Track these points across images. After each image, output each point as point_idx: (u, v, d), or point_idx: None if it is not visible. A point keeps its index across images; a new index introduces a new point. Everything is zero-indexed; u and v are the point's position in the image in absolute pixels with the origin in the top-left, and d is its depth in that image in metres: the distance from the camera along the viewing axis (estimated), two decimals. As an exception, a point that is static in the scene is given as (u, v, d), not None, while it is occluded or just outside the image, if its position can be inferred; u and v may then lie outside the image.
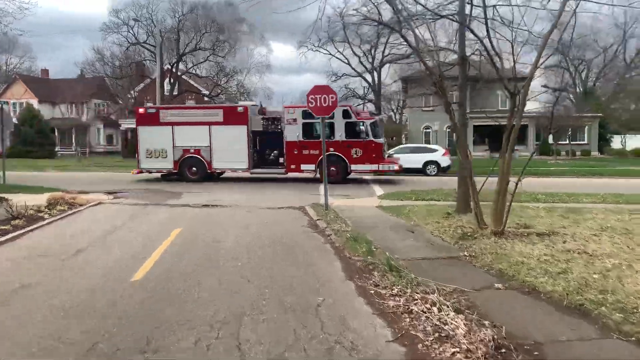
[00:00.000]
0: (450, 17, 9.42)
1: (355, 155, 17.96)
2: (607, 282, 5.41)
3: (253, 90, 50.85)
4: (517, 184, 7.76)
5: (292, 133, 18.22)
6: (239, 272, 6.44)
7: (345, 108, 18.21)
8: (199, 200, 13.77)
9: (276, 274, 6.34)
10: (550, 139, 40.12)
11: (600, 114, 41.77)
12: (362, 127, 17.94)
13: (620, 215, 10.06)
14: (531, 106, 42.73)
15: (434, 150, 25.27)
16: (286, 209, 12.41)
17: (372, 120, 18.56)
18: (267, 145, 19.22)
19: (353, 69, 51.93)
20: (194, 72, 49.40)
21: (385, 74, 54.47)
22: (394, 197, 14.35)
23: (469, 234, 8.27)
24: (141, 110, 20.19)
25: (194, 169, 19.08)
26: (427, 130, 45.88)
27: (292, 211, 12.10)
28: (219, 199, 14.20)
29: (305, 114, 17.21)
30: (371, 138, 17.98)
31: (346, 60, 52.72)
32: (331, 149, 17.45)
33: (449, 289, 5.44)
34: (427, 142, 42.05)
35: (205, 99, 48.72)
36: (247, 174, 19.56)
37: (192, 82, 49.09)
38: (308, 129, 18.28)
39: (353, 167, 18.23)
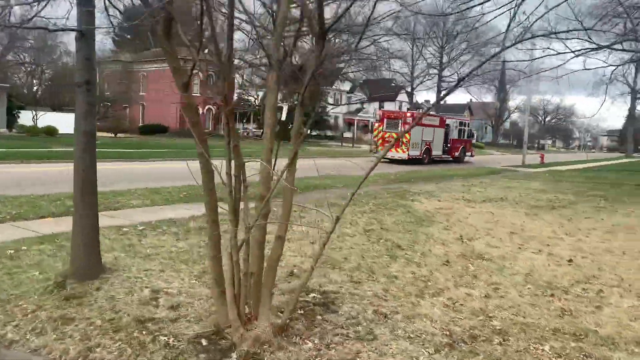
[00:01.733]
0: None
1: (467, 147, 34.01)
2: None
3: None
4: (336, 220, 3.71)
5: (455, 134, 32.30)
6: None
7: (463, 120, 34.96)
8: None
9: None
10: None
11: (7, 85, 34.83)
12: (473, 131, 36.60)
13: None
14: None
15: None
16: None
17: (471, 127, 35.17)
18: (443, 141, 31.38)
19: None
20: None
21: None
22: None
23: (216, 341, 3.34)
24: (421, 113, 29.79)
25: (425, 155, 28.84)
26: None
27: None
28: None
29: (461, 124, 33.35)
30: (470, 137, 34.78)
31: None
32: (462, 144, 33.46)
33: None
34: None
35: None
36: (439, 158, 30.86)
37: None
38: (459, 133, 32.88)
39: (467, 154, 33.99)
